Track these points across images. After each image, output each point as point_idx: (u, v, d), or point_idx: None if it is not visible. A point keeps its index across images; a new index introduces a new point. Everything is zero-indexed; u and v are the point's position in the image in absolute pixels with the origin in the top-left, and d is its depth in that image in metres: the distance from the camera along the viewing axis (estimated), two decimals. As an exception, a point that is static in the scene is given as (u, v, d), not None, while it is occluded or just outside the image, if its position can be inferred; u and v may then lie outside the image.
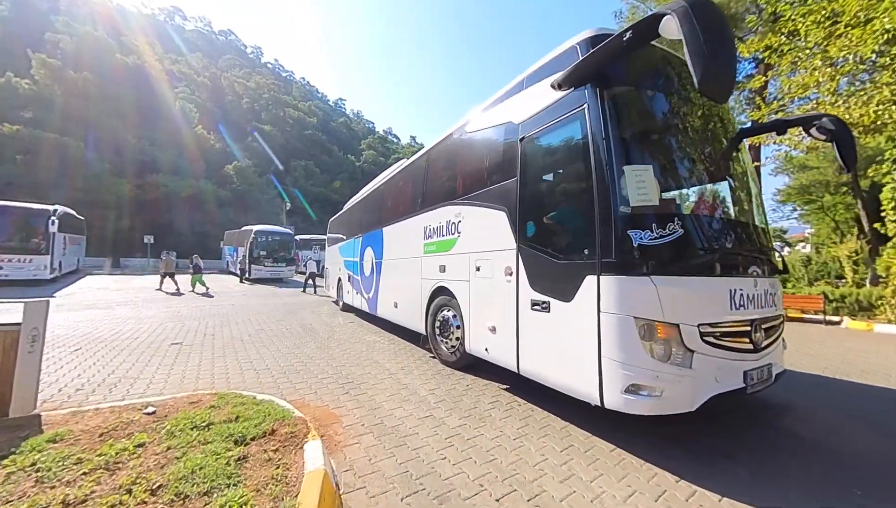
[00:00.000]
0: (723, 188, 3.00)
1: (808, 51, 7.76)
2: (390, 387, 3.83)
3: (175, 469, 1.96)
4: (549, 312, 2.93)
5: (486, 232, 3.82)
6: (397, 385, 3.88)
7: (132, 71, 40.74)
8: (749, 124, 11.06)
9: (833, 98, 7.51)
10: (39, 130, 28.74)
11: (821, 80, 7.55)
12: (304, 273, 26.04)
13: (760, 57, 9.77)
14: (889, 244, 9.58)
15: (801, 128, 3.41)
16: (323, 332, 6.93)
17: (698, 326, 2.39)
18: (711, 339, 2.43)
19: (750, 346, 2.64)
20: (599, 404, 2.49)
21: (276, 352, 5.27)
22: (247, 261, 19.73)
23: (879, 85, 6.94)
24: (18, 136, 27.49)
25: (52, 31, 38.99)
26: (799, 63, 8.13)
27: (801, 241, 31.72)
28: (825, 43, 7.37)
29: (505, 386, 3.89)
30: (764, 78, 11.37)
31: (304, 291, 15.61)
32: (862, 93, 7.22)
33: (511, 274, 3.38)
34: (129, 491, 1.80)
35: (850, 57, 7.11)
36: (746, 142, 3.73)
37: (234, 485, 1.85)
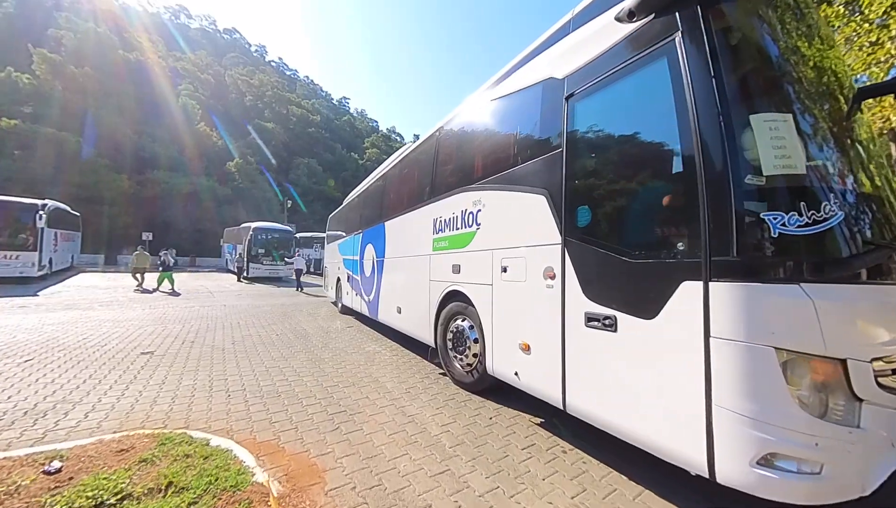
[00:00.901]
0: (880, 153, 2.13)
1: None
2: (392, 419, 3.00)
3: None
4: (614, 331, 2.09)
5: (517, 223, 2.98)
6: (401, 417, 3.05)
7: (134, 67, 40.33)
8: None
9: None
10: (38, 125, 28.29)
11: None
12: (308, 271, 25.50)
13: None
14: None
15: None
16: (317, 339, 6.13)
17: (871, 361, 1.53)
18: (889, 382, 1.58)
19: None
20: (707, 475, 1.65)
21: (258, 366, 4.46)
22: (244, 259, 19.01)
23: None
24: (17, 130, 27.03)
25: (55, 28, 38.63)
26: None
27: None
28: None
29: (538, 420, 3.05)
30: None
31: (299, 290, 15.13)
32: None
33: (553, 277, 2.55)
34: None
35: None
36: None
37: None
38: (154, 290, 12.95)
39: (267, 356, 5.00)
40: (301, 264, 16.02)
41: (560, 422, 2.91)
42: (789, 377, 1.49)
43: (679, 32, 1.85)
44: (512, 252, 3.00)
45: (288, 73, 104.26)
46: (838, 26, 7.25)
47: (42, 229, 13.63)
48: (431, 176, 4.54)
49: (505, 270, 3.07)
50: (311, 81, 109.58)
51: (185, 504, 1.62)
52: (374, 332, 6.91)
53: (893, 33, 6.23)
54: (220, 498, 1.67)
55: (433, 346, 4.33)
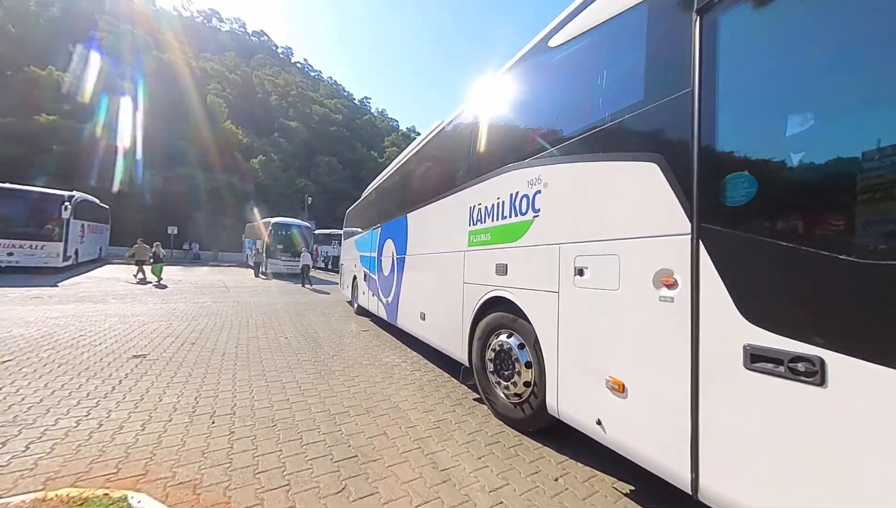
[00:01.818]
0: None
1: None
2: (420, 475, 2.18)
3: None
4: (819, 383, 1.19)
5: (602, 206, 2.09)
6: (432, 472, 2.22)
7: (165, 67, 41.65)
8: None
9: None
10: (76, 121, 29.44)
11: None
12: (326, 268, 25.29)
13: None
14: None
15: None
16: (329, 345, 5.41)
17: None
18: None
19: None
20: None
21: (257, 379, 3.76)
22: (263, 254, 18.80)
23: None
24: (56, 126, 28.18)
25: (96, 30, 40.43)
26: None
27: None
28: None
29: (627, 487, 2.15)
30: None
31: (304, 286, 15.06)
32: None
33: (673, 286, 1.66)
34: None
35: None
36: None
37: None
38: (158, 282, 12.72)
39: (270, 364, 4.31)
40: (308, 259, 15.74)
41: (657, 490, 2.00)
42: None
43: None
44: (595, 247, 2.12)
45: (312, 73, 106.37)
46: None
47: (68, 220, 13.71)
48: (469, 153, 3.70)
49: (581, 272, 2.19)
50: (335, 81, 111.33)
51: None
52: (391, 338, 6.14)
53: None
54: None
55: (467, 365, 3.49)
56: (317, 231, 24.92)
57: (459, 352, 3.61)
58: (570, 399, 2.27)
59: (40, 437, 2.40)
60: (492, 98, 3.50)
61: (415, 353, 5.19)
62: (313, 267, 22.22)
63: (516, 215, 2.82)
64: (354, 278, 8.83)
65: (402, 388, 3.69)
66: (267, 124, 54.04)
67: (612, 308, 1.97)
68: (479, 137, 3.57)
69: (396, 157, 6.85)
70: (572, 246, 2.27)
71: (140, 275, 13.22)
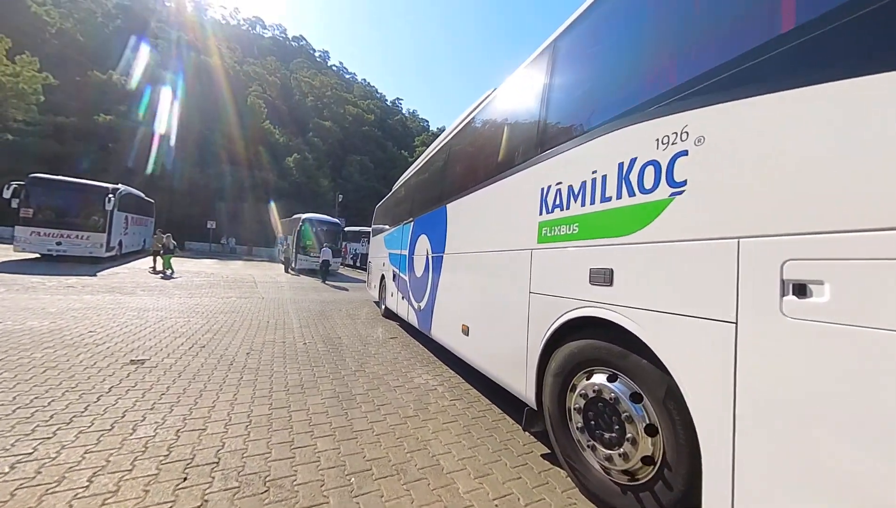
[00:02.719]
0: None
1: None
2: None
3: None
4: None
5: (855, 166, 1.06)
6: None
7: (211, 71, 43.78)
8: None
9: None
10: (129, 121, 31.39)
11: None
12: (354, 265, 25.13)
13: None
14: None
15: None
16: (351, 356, 4.63)
17: None
18: None
19: None
20: None
21: (261, 403, 3.00)
22: (293, 250, 18.74)
23: None
24: (111, 125, 30.15)
25: (150, 36, 43.28)
26: None
27: None
28: None
29: None
30: None
31: (323, 281, 14.83)
32: None
33: None
34: None
35: None
36: None
37: None
38: (171, 274, 12.49)
39: (280, 381, 3.56)
40: (328, 254, 15.62)
41: None
42: None
43: None
44: (839, 245, 1.09)
45: (347, 75, 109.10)
46: None
47: (111, 211, 14.14)
48: (540, 118, 2.73)
49: (802, 290, 1.17)
50: (368, 83, 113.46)
51: None
52: (423, 349, 5.28)
53: None
54: None
55: (533, 407, 2.51)
56: (346, 228, 24.76)
57: (521, 387, 2.63)
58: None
59: (-50, 491, 1.72)
60: (581, 32, 2.50)
61: (452, 372, 4.28)
62: (342, 264, 22.02)
63: (632, 195, 1.82)
64: (382, 277, 8.09)
65: (442, 429, 2.77)
66: (303, 124, 55.53)
67: (889, 368, 0.94)
68: (557, 92, 2.59)
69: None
70: (777, 242, 1.24)
71: (155, 266, 13.25)
